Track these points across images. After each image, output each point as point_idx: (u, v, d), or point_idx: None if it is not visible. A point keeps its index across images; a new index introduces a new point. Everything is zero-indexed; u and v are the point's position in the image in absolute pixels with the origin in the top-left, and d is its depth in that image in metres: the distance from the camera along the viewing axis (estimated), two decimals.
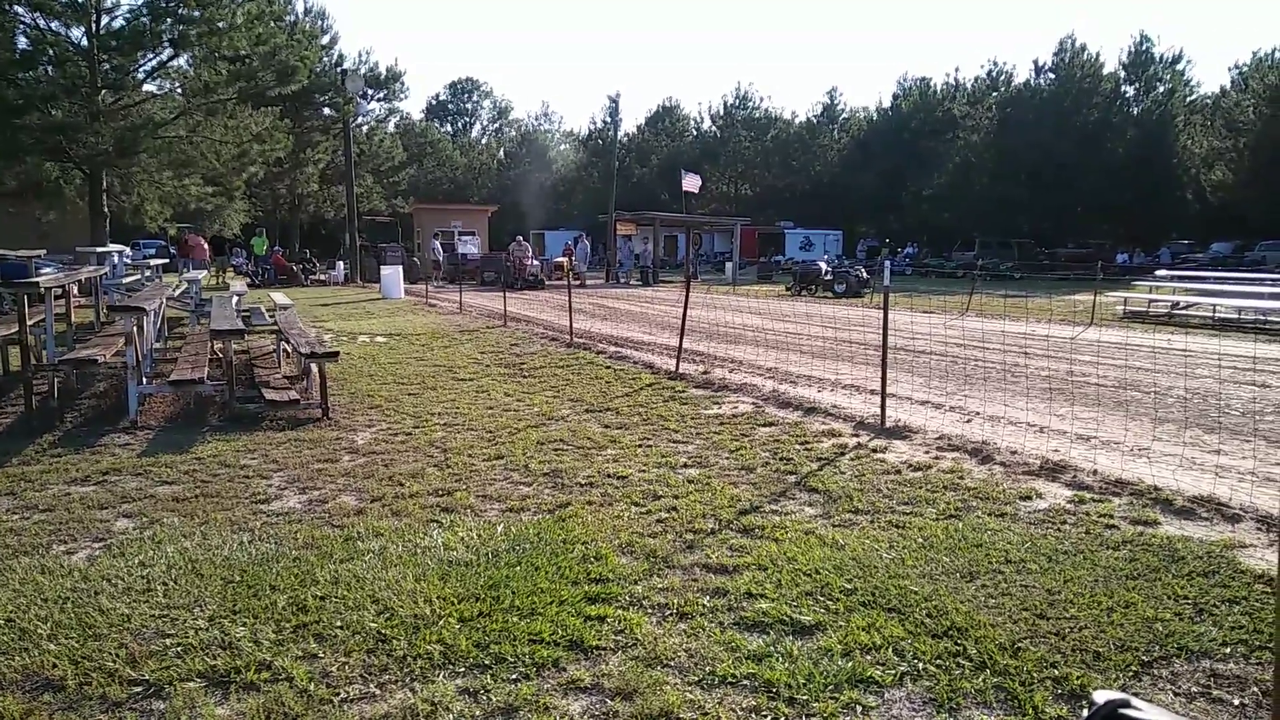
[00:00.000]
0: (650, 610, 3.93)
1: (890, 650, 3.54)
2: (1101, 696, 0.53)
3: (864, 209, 57.28)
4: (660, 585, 4.20)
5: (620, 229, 39.04)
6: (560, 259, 34.68)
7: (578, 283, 30.97)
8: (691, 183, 31.93)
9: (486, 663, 3.44)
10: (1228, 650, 3.55)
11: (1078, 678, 3.30)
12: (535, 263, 32.18)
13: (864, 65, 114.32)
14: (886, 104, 59.46)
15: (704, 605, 3.96)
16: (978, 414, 8.32)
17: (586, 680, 3.31)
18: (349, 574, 4.30)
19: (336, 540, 4.82)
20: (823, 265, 29.71)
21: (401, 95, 56.81)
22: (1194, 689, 3.27)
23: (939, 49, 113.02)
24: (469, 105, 77.50)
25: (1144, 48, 47.02)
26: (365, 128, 50.08)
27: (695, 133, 65.48)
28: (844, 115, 63.14)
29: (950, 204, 49.12)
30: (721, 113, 63.54)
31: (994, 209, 45.18)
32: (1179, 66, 47.29)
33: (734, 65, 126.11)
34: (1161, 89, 46.55)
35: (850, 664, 3.42)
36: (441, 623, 3.75)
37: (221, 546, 4.73)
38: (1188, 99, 47.63)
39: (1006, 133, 46.32)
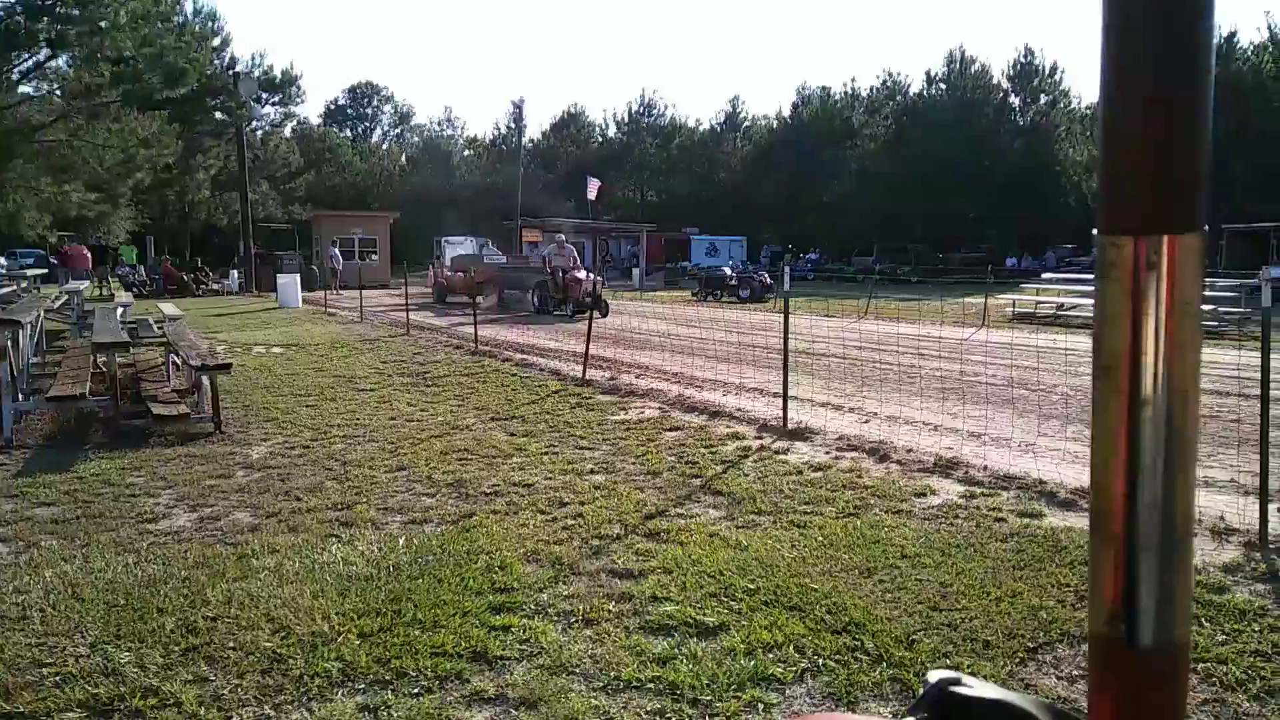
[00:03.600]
0: (556, 618, 3.91)
1: (791, 647, 3.61)
2: (934, 675, 0.55)
3: (768, 215, 58.28)
4: (566, 592, 4.18)
5: (526, 236, 38.85)
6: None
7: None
8: (592, 189, 32.02)
9: (387, 678, 3.37)
10: None
11: (968, 666, 3.42)
12: (592, 276, 20.18)
13: (765, 74, 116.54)
14: (787, 113, 60.67)
15: (610, 610, 3.97)
16: (876, 414, 8.55)
17: (491, 691, 3.27)
18: (243, 593, 4.15)
19: (229, 559, 4.65)
20: (728, 271, 30.14)
21: (298, 99, 55.31)
22: (1075, 672, 3.43)
23: (837, 59, 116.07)
24: (369, 110, 75.88)
25: (1028, 60, 49.28)
26: (260, 133, 48.61)
27: (601, 139, 65.64)
28: (746, 123, 64.18)
29: (850, 211, 50.45)
30: (627, 119, 63.87)
31: (891, 215, 46.62)
32: (1057, 78, 49.73)
33: (639, 72, 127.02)
34: (1044, 100, 48.85)
35: (753, 663, 3.47)
36: (340, 639, 3.66)
37: (105, 569, 4.50)
38: (1068, 109, 50.08)
39: (902, 141, 47.88)
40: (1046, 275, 27.33)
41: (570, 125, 66.17)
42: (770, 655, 3.55)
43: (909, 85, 54.21)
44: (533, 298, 21.16)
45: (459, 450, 7.11)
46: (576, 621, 3.86)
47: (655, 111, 63.83)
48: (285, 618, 3.87)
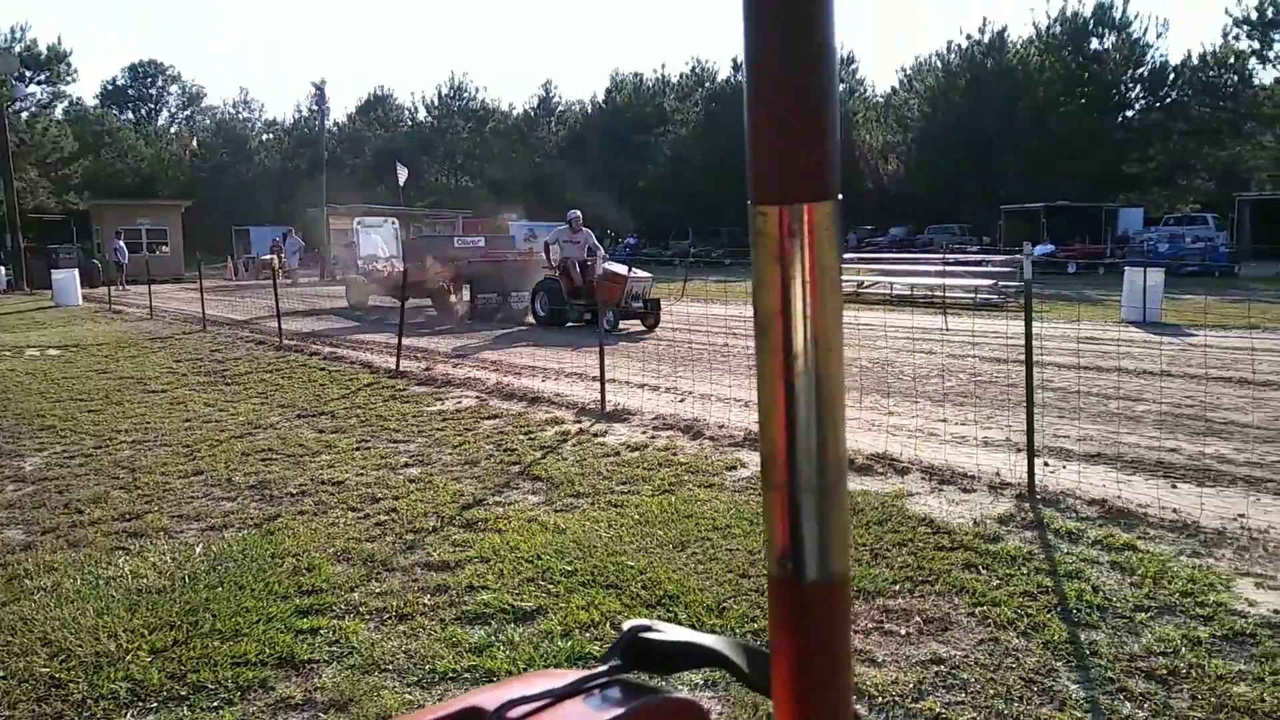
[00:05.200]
0: (368, 616, 3.81)
1: (608, 625, 3.68)
2: (628, 625, 0.59)
3: (584, 200, 58.52)
4: (379, 589, 4.08)
5: (334, 224, 37.27)
6: (268, 256, 32.51)
7: (288, 281, 29.27)
8: (404, 175, 31.15)
9: (183, 694, 3.18)
10: (896, 587, 4.02)
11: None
12: (637, 272, 14.99)
13: (579, 60, 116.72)
14: (601, 98, 61.08)
15: (425, 604, 3.90)
16: (690, 393, 8.79)
17: (298, 697, 3.15)
18: (13, 617, 3.80)
19: None
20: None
21: (68, 78, 50.55)
22: (869, 625, 3.68)
23: (648, 46, 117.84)
24: (153, 91, 70.32)
25: None
26: (25, 114, 44.11)
27: (411, 123, 63.81)
28: (560, 108, 64.12)
29: (665, 195, 51.47)
30: (437, 103, 62.40)
31: (704, 199, 47.92)
32: (853, 67, 52.60)
33: (448, 55, 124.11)
34: (842, 87, 51.55)
35: (570, 643, 3.52)
36: (129, 657, 3.42)
37: None
38: (864, 96, 53.08)
39: (712, 127, 49.24)
40: (847, 255, 28.96)
41: (377, 108, 63.91)
42: (587, 634, 3.60)
43: (717, 72, 55.82)
44: (535, 304, 15.65)
45: (262, 450, 6.77)
46: (390, 618, 3.78)
47: (466, 95, 62.69)
48: (65, 639, 3.57)
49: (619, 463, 6.21)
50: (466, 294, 17.33)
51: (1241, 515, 4.77)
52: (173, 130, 67.55)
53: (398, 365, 10.40)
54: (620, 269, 14.92)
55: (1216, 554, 4.28)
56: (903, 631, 3.60)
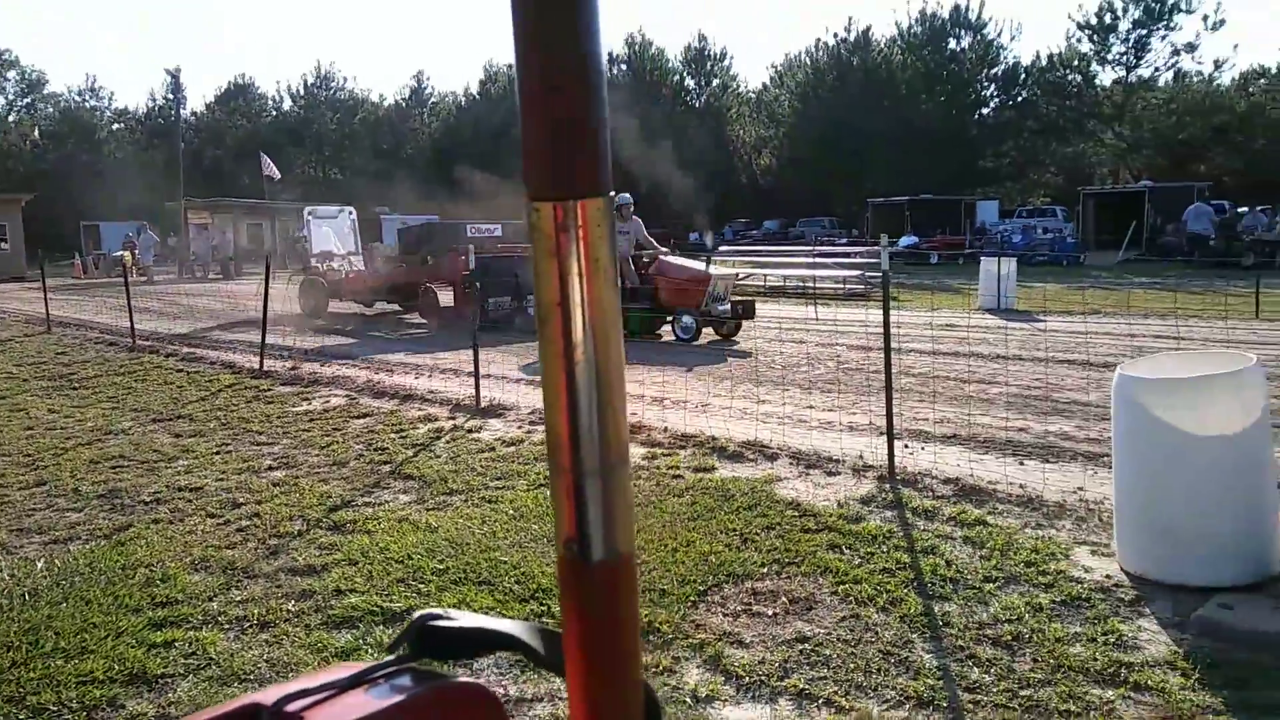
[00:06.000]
0: (227, 626, 3.67)
1: None
2: (418, 613, 0.60)
3: (461, 193, 57.66)
4: (239, 598, 3.93)
5: (194, 218, 35.55)
6: (119, 253, 30.69)
7: (143, 279, 27.76)
8: (269, 167, 29.94)
9: (22, 717, 2.99)
10: (764, 570, 4.13)
11: (646, 616, 3.65)
12: (722, 271, 12.96)
13: (451, 50, 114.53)
14: (476, 90, 60.19)
15: (288, 610, 3.78)
16: None
17: (150, 713, 3.02)
18: None
19: None
20: None
21: None
22: (738, 608, 3.77)
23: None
24: None
25: (701, 44, 52.56)
26: None
27: (275, 113, 61.37)
28: (433, 99, 62.86)
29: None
30: (302, 92, 60.21)
31: None
32: (726, 63, 53.56)
33: (314, 44, 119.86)
34: (717, 83, 52.40)
35: None
36: None
37: None
38: (738, 92, 54.07)
39: None
40: (724, 248, 29.49)
41: (239, 97, 61.14)
42: None
43: None
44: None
45: (113, 458, 6.41)
46: (251, 626, 3.65)
47: (334, 84, 60.73)
48: None
49: (494, 458, 6.16)
50: (449, 298, 14.13)
51: (1080, 488, 5.11)
52: (10, 119, 62.92)
53: (261, 365, 10.02)
54: (696, 265, 12.47)
55: (1058, 525, 4.58)
56: (770, 612, 3.71)
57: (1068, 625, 3.49)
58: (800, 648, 3.39)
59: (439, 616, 0.59)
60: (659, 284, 12.00)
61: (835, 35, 46.59)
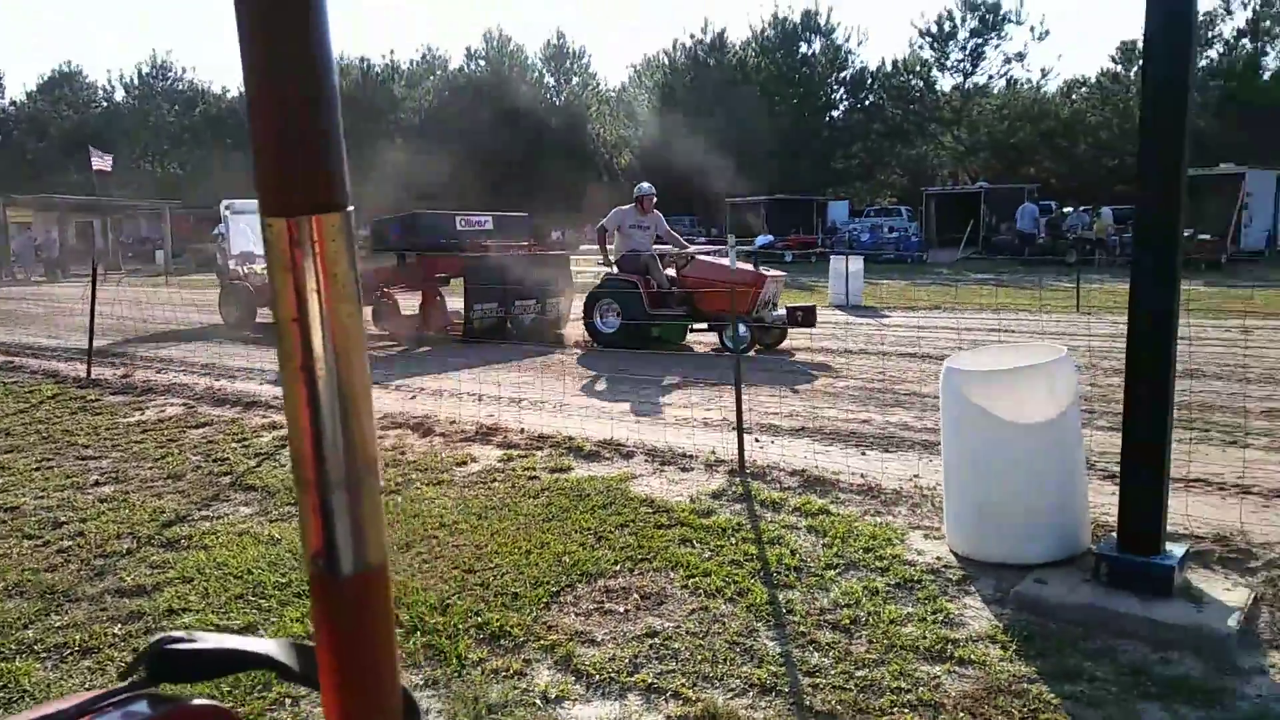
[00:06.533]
0: (44, 654, 3.42)
1: None
2: (157, 636, 0.58)
3: None
4: (59, 623, 3.67)
5: (13, 215, 32.91)
6: None
7: None
8: (101, 161, 28.06)
9: None
10: (618, 567, 4.17)
11: (498, 621, 3.63)
12: (774, 273, 11.28)
13: None
14: None
15: (114, 635, 3.56)
16: (423, 389, 8.63)
17: None
18: None
19: None
20: None
21: None
22: (591, 606, 3.80)
23: (374, 32, 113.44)
24: None
25: (560, 42, 52.49)
26: None
27: (106, 104, 57.49)
28: None
29: (393, 183, 49.92)
30: (137, 82, 56.65)
31: (436, 188, 46.99)
32: (585, 60, 53.76)
33: (148, 31, 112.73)
34: (576, 81, 52.45)
35: None
36: None
37: None
38: (598, 90, 54.30)
39: (444, 115, 48.36)
40: (584, 246, 29.55)
41: (64, 86, 56.98)
42: None
43: (449, 60, 54.90)
44: (595, 317, 11.26)
45: None
46: (72, 654, 3.41)
47: (172, 75, 57.40)
48: None
49: None
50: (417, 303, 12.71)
51: (916, 476, 5.39)
52: None
53: (88, 373, 9.38)
54: (744, 265, 11.07)
55: (894, 511, 4.82)
56: (621, 609, 3.76)
57: (900, 607, 3.68)
58: (650, 642, 3.45)
59: (179, 640, 0.57)
60: (698, 286, 10.52)
61: (692, 36, 47.51)
